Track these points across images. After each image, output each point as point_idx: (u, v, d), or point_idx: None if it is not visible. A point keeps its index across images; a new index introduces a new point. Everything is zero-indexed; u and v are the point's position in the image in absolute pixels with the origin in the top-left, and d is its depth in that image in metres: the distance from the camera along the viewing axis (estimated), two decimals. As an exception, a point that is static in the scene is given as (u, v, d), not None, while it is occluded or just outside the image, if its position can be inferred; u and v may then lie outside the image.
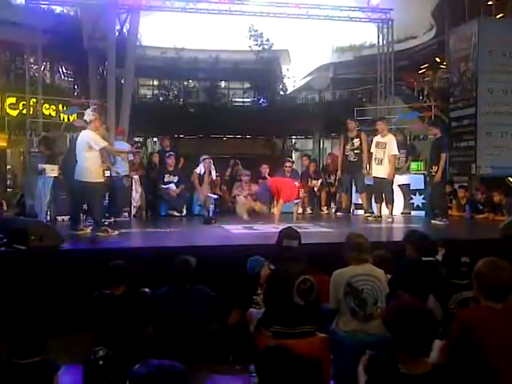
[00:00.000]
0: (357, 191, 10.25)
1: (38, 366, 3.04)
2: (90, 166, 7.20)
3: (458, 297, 3.64)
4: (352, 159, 9.96)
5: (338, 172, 10.38)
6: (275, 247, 4.63)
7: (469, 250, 4.05)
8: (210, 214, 9.14)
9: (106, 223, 7.94)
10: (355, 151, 9.93)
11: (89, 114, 7.50)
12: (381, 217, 9.50)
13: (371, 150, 9.61)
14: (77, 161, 7.36)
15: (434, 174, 9.02)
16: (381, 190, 9.49)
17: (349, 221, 9.95)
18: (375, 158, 9.46)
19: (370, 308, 3.90)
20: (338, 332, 3.95)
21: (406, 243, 4.67)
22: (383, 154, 9.36)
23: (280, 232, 4.67)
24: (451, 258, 3.99)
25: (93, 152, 7.22)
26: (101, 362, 2.83)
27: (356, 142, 9.94)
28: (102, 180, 7.51)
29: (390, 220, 9.25)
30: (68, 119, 13.04)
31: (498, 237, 6.85)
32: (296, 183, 9.23)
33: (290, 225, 5.46)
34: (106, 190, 8.38)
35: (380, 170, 9.38)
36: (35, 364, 3.03)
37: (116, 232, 7.39)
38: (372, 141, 9.74)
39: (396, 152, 9.52)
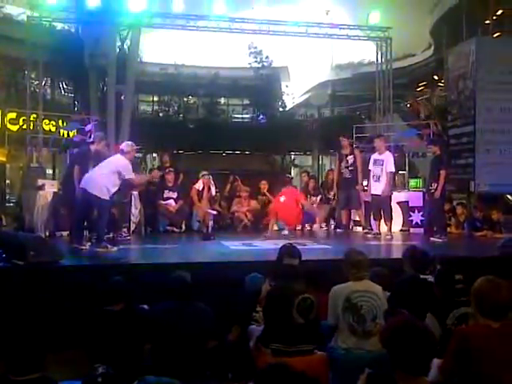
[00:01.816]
0: (352, 207, 10.25)
1: (36, 383, 3.02)
2: (107, 185, 7.31)
3: (457, 312, 3.64)
4: (347, 176, 10.00)
5: (334, 188, 10.45)
6: (276, 264, 4.62)
7: (467, 267, 4.06)
8: (209, 230, 9.15)
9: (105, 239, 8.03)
10: (349, 168, 9.97)
11: (127, 145, 7.82)
12: (379, 234, 9.51)
13: (369, 168, 9.63)
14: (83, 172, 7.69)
15: (433, 191, 9.05)
16: (379, 207, 9.50)
17: (347, 237, 9.95)
18: (373, 176, 9.50)
19: (369, 324, 3.90)
20: (337, 349, 3.95)
21: (404, 260, 4.68)
22: (381, 171, 9.39)
23: (280, 249, 4.66)
24: (445, 276, 3.98)
25: (115, 175, 7.41)
26: (99, 380, 2.82)
27: (350, 158, 9.98)
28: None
29: (388, 237, 9.24)
30: (68, 135, 13.06)
31: (497, 255, 6.87)
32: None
33: (289, 241, 5.46)
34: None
35: (378, 187, 9.40)
36: (33, 381, 3.01)
37: (115, 248, 7.40)
38: (370, 158, 9.78)
39: (393, 169, 9.56)
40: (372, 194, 9.53)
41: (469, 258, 6.60)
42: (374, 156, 9.61)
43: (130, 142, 8.05)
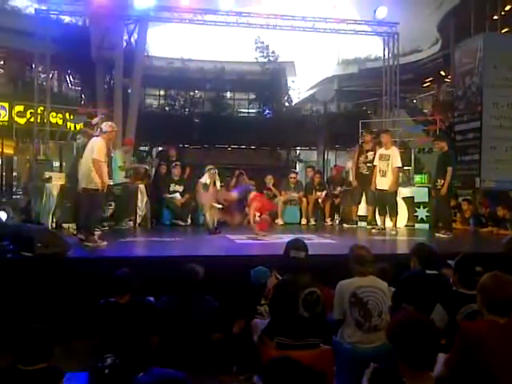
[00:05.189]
0: (367, 203, 10.23)
1: (44, 373, 3.05)
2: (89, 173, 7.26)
3: (468, 309, 3.62)
4: (364, 172, 9.96)
5: (354, 182, 10.31)
6: (282, 258, 4.64)
7: (487, 262, 4.03)
8: (215, 224, 9.17)
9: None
10: (367, 164, 9.93)
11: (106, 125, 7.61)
12: (384, 229, 9.50)
13: (374, 163, 9.60)
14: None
15: (439, 187, 9.02)
16: (385, 202, 9.48)
17: (353, 232, 9.95)
18: (379, 170, 9.46)
19: (375, 319, 3.92)
20: (343, 343, 3.96)
21: (411, 256, 4.67)
22: (387, 166, 9.36)
23: (288, 243, 4.69)
24: (465, 265, 3.97)
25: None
26: (106, 371, 2.85)
27: (370, 154, 9.94)
28: None
29: (393, 232, 9.24)
30: (75, 128, 13.10)
31: (502, 251, 6.85)
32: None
33: (296, 236, 5.48)
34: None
35: (384, 182, 9.38)
36: (41, 371, 3.05)
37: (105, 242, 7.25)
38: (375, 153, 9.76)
39: (399, 164, 9.53)
40: (378, 189, 9.50)
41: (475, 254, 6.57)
42: (380, 151, 9.58)
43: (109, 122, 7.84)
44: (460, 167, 11.98)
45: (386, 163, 9.38)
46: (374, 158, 9.81)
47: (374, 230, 9.54)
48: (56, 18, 14.45)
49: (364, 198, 10.17)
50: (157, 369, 2.37)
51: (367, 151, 10.02)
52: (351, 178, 10.54)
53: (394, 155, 9.40)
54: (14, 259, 5.72)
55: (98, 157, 7.07)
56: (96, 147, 7.14)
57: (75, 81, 19.05)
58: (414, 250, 4.76)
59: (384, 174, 9.40)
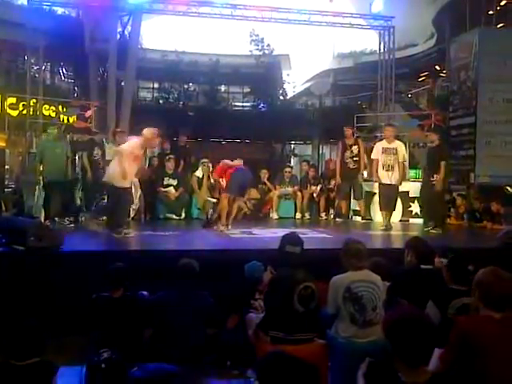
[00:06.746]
0: (355, 197, 10.21)
1: (37, 368, 3.02)
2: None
3: (458, 303, 3.63)
4: (352, 166, 9.90)
5: (337, 179, 10.27)
6: (277, 252, 4.62)
7: (477, 258, 4.04)
8: (209, 218, 9.14)
9: None
10: (354, 158, 9.87)
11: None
12: (379, 224, 9.46)
13: (373, 157, 9.37)
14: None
15: (434, 182, 8.95)
16: (388, 197, 9.33)
17: (347, 227, 9.93)
18: (384, 165, 9.19)
19: (369, 313, 3.90)
20: (337, 338, 3.95)
21: (407, 250, 4.66)
22: (394, 160, 9.16)
23: (283, 237, 4.65)
24: (458, 264, 3.97)
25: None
26: (103, 366, 2.83)
27: (355, 149, 9.88)
28: None
29: (388, 227, 9.21)
30: (68, 120, 13.02)
31: (496, 246, 6.87)
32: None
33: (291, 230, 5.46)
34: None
35: (390, 177, 9.17)
36: (34, 365, 3.02)
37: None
38: (372, 147, 9.68)
39: (406, 159, 9.41)
40: (382, 184, 9.26)
41: (469, 250, 6.59)
42: (383, 144, 9.32)
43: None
44: (454, 162, 11.96)
45: (393, 157, 9.12)
46: (358, 151, 9.79)
47: (377, 226, 9.45)
48: (49, 9, 14.34)
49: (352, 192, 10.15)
50: (151, 363, 2.35)
51: (351, 146, 9.96)
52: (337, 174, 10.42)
53: (401, 149, 9.24)
54: (5, 252, 5.67)
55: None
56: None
57: (68, 73, 18.97)
58: (411, 244, 4.75)
59: (390, 169, 9.15)
